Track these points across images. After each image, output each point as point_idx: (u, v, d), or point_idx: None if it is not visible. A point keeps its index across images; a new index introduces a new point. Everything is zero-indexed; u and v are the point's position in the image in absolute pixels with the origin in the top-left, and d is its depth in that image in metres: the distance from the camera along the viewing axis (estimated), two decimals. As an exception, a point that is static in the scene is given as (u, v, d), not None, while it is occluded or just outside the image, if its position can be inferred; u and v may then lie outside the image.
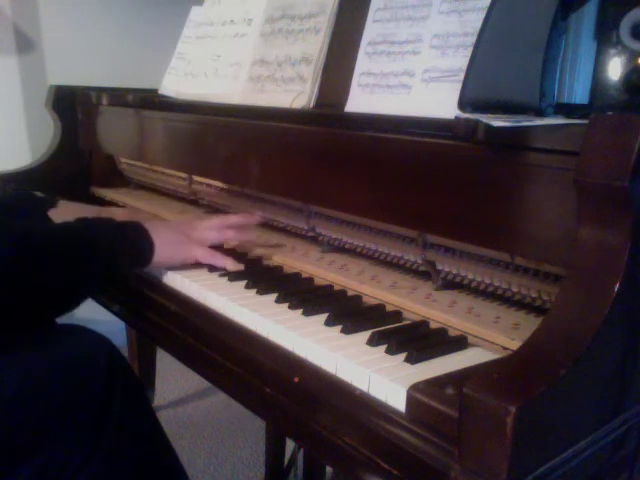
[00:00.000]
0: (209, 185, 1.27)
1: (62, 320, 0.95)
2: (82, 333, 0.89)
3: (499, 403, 0.49)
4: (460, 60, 0.82)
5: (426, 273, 0.89)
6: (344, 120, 0.95)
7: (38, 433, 0.78)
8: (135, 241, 0.92)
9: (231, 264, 0.95)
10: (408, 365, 0.65)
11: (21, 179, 1.48)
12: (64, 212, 1.10)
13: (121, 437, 0.84)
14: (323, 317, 0.77)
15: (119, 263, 0.90)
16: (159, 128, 1.32)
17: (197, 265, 0.98)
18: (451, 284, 0.86)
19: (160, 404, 2.00)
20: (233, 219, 1.01)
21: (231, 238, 1.01)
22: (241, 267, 0.95)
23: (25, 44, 2.00)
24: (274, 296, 0.83)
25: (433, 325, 0.77)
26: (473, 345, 0.73)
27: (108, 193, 1.51)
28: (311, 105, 1.05)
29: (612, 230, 0.57)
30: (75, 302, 0.89)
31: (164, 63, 1.44)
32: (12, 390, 0.78)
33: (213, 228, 0.99)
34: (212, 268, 0.95)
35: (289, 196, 1.04)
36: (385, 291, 0.85)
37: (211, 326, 0.82)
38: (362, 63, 0.97)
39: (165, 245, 0.93)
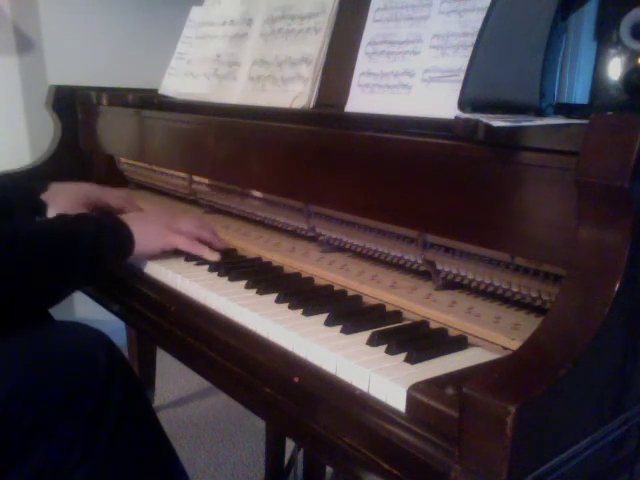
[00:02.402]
0: (209, 185, 1.27)
1: (61, 317, 0.95)
2: (81, 330, 0.89)
3: (499, 403, 0.49)
4: (460, 60, 0.82)
5: (426, 273, 0.89)
6: (344, 120, 0.95)
7: (36, 430, 0.78)
8: (115, 235, 0.97)
9: (208, 253, 1.00)
10: (408, 365, 0.65)
11: (21, 179, 1.48)
12: (56, 194, 1.16)
13: (121, 436, 0.84)
14: (323, 317, 0.77)
15: (102, 257, 0.94)
16: (159, 128, 1.32)
17: (197, 265, 0.98)
18: (451, 284, 0.86)
19: (160, 404, 2.00)
20: (205, 234, 1.04)
21: (196, 249, 1.02)
22: (217, 257, 1.00)
23: (25, 44, 2.00)
24: (274, 296, 0.83)
25: (433, 325, 0.77)
26: (473, 345, 0.72)
27: (108, 193, 1.50)
28: (311, 105, 1.05)
29: (612, 230, 0.57)
30: (60, 297, 0.93)
31: (164, 63, 1.44)
32: (10, 387, 0.78)
33: (192, 225, 1.04)
34: (212, 267, 0.96)
35: (289, 196, 1.04)
36: (385, 291, 0.85)
37: (211, 326, 0.82)
38: (362, 63, 0.97)
39: (144, 235, 0.98)
